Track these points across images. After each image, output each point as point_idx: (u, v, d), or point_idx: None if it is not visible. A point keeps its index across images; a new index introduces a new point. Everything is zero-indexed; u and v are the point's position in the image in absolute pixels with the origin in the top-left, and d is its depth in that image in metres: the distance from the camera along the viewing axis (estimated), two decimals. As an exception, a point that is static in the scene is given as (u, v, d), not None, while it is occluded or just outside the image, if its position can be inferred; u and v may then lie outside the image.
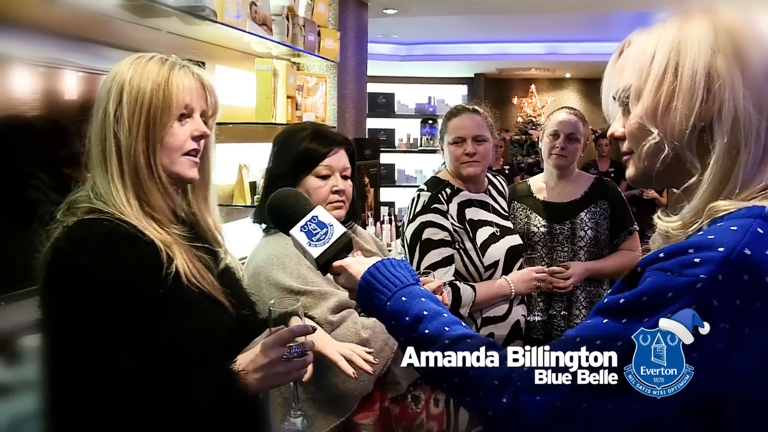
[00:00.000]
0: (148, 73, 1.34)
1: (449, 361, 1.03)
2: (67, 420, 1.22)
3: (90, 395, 1.19)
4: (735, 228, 0.90)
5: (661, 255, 0.92)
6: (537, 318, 2.69)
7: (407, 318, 1.10)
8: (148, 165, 1.33)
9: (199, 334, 1.30)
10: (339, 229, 1.27)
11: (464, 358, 1.02)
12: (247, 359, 1.30)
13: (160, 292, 1.26)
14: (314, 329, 1.37)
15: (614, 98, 1.09)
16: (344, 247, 1.27)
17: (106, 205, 1.30)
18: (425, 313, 1.10)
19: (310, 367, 1.36)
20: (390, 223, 4.49)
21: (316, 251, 1.26)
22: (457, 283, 2.42)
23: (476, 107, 2.62)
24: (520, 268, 2.58)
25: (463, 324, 1.10)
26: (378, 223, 4.43)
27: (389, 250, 3.76)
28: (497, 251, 2.51)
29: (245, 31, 2.65)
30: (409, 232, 2.50)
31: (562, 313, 2.74)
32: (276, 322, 1.34)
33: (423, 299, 1.13)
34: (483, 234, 2.51)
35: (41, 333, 1.26)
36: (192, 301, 1.31)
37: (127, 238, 1.27)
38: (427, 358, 1.05)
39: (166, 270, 1.28)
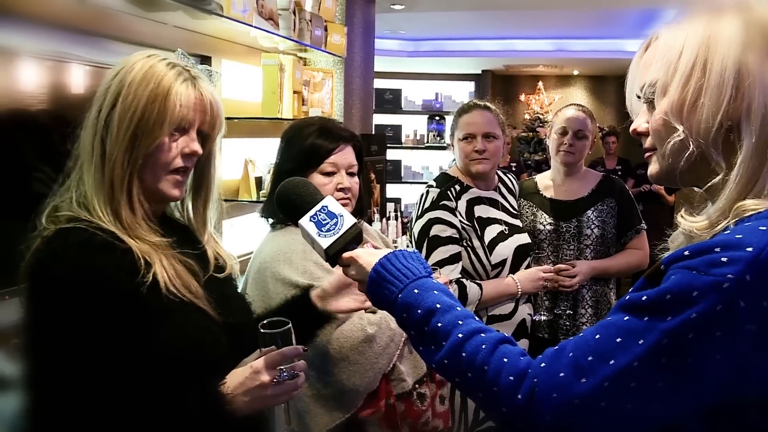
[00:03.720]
0: (149, 79, 1.28)
1: (463, 356, 1.01)
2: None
3: (70, 408, 1.17)
4: (764, 228, 0.87)
5: (686, 253, 0.90)
6: (543, 317, 2.67)
7: (419, 311, 1.08)
8: (122, 178, 1.28)
9: (179, 343, 1.27)
10: (349, 220, 1.25)
11: (478, 353, 0.99)
12: (236, 381, 1.26)
13: (137, 301, 1.23)
14: (305, 350, 1.33)
15: (639, 94, 1.07)
16: (354, 238, 1.25)
17: (87, 212, 1.27)
18: (438, 306, 1.07)
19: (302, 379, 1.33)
20: (396, 219, 4.47)
21: (325, 242, 1.23)
22: (464, 280, 2.41)
23: (488, 104, 2.61)
24: (527, 266, 2.57)
25: (477, 318, 1.08)
26: (384, 220, 4.41)
27: (395, 247, 3.74)
28: (505, 250, 2.50)
29: (252, 26, 2.63)
30: (416, 229, 2.49)
31: (568, 312, 2.72)
32: (267, 344, 1.30)
33: (436, 292, 1.10)
34: (491, 232, 2.50)
35: (21, 341, 1.24)
36: (171, 309, 1.27)
37: (102, 247, 1.23)
38: (440, 352, 1.04)
39: (142, 278, 1.24)
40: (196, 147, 1.35)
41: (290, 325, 1.32)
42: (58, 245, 1.22)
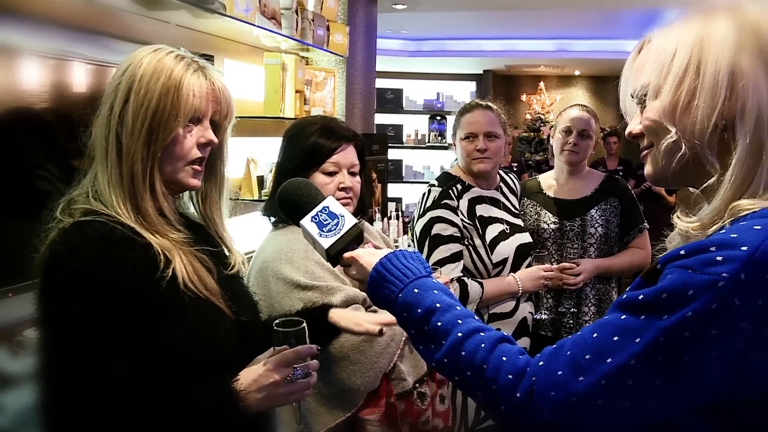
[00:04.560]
0: (159, 72, 1.29)
1: (462, 354, 1.01)
2: (62, 423, 1.20)
3: (85, 401, 1.17)
4: (759, 227, 0.88)
5: (682, 252, 0.90)
6: (545, 315, 2.68)
7: (419, 310, 1.08)
8: (144, 172, 1.28)
9: (195, 339, 1.27)
10: (350, 220, 1.26)
11: (477, 351, 1.00)
12: (249, 378, 1.26)
13: (156, 296, 1.23)
14: (319, 350, 1.34)
15: (632, 96, 1.07)
16: (355, 238, 1.26)
17: (104, 206, 1.27)
18: (438, 305, 1.08)
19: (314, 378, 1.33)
20: (397, 219, 4.47)
21: (326, 242, 1.24)
22: (465, 279, 2.41)
23: (489, 104, 2.62)
24: (528, 265, 2.57)
25: (476, 317, 1.08)
26: (385, 219, 4.41)
27: (396, 246, 3.74)
28: (506, 248, 2.50)
29: (254, 25, 2.63)
30: (418, 228, 2.49)
31: (572, 310, 2.73)
32: (281, 342, 1.30)
33: (436, 291, 1.11)
34: (493, 231, 2.50)
35: (37, 333, 1.24)
36: (188, 305, 1.28)
37: (122, 241, 1.23)
38: (440, 350, 1.04)
39: (162, 273, 1.24)
40: (211, 136, 1.36)
41: (304, 324, 1.33)
42: (77, 238, 1.21)
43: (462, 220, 2.47)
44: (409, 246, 2.75)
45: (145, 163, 1.29)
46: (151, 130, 1.28)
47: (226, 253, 1.47)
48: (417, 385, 1.89)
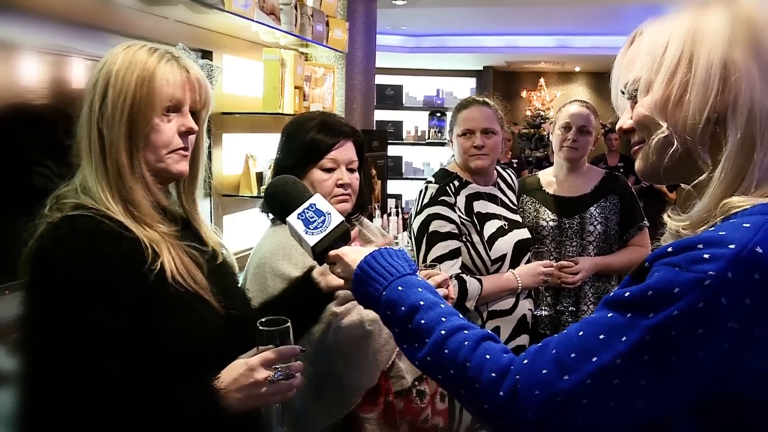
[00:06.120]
0: (133, 65, 1.29)
1: (445, 353, 1.00)
2: (43, 422, 1.19)
3: (69, 397, 1.16)
4: (748, 225, 0.86)
5: (670, 250, 0.89)
6: (544, 313, 2.67)
7: (403, 308, 1.08)
8: (130, 163, 1.29)
9: (184, 333, 1.27)
10: (337, 218, 1.25)
11: (460, 349, 0.99)
12: (230, 377, 1.25)
13: (144, 290, 1.23)
14: (302, 351, 1.33)
15: (623, 91, 1.06)
16: (341, 236, 1.25)
17: (94, 201, 1.26)
18: (422, 303, 1.07)
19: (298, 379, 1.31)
20: (397, 215, 4.47)
21: (312, 239, 1.24)
22: (464, 276, 2.40)
23: (486, 99, 2.60)
24: (527, 262, 2.57)
25: (461, 315, 1.07)
26: (385, 216, 4.41)
27: (396, 243, 3.74)
28: (505, 245, 2.49)
29: (253, 20, 2.62)
30: (416, 224, 2.48)
31: (570, 308, 2.72)
32: (264, 341, 1.29)
33: (420, 289, 1.10)
34: (491, 227, 2.49)
35: (21, 328, 1.23)
36: (177, 299, 1.27)
37: (110, 235, 1.23)
38: (423, 349, 1.03)
39: (150, 267, 1.24)
40: (191, 124, 1.36)
41: (289, 323, 1.31)
42: (65, 232, 1.21)
43: (460, 216, 2.46)
44: (407, 245, 2.74)
45: (130, 155, 1.29)
46: (131, 121, 1.28)
47: (211, 246, 1.46)
48: (416, 383, 1.88)
